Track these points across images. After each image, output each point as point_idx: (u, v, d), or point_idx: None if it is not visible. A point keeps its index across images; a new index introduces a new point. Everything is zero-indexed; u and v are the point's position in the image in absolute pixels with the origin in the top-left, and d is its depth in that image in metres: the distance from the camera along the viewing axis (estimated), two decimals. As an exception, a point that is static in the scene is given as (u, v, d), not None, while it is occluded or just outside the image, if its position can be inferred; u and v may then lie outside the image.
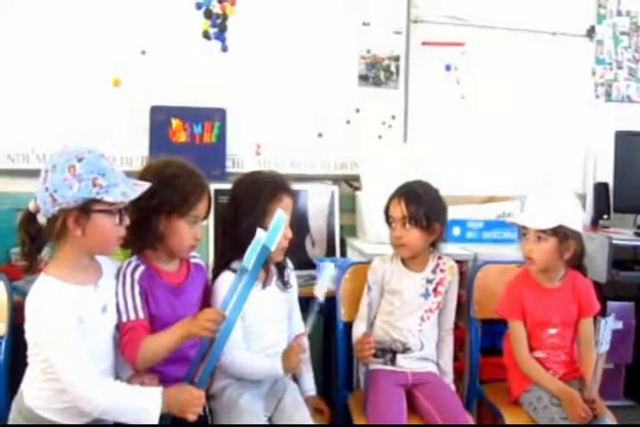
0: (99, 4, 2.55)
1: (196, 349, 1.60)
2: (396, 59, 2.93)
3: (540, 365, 2.00)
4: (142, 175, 1.65)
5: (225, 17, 2.70)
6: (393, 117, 2.94)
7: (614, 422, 1.94)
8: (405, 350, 2.03)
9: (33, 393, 1.50)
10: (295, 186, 1.97)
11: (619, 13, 3.26)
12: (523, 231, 2.03)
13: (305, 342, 1.74)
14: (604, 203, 3.11)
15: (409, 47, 2.95)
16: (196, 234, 1.69)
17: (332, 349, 2.35)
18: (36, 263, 1.52)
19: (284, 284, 1.95)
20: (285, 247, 1.85)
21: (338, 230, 2.77)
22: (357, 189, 2.82)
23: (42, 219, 1.48)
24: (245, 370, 1.77)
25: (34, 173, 1.56)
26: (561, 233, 1.94)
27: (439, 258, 2.10)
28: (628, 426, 2.42)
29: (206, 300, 1.80)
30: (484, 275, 2.27)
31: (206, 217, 1.73)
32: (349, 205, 2.82)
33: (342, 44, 2.85)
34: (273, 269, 1.93)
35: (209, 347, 1.55)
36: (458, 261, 2.20)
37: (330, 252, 2.72)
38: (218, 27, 2.70)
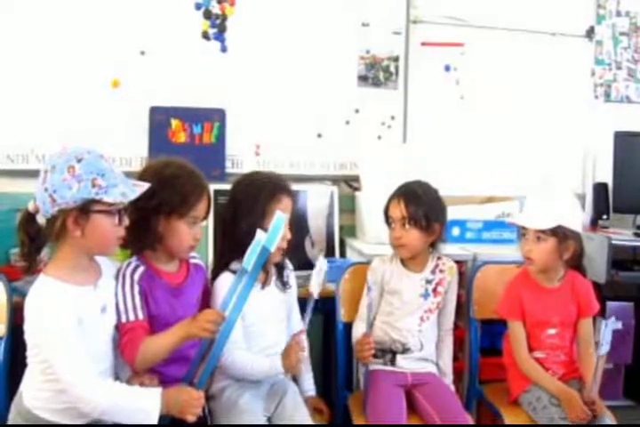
0: (98, 5, 2.55)
1: (195, 349, 1.60)
2: (396, 59, 2.93)
3: (539, 365, 2.01)
4: (142, 176, 1.65)
5: (224, 17, 2.70)
6: (392, 118, 2.94)
7: (614, 423, 1.94)
8: (405, 350, 2.03)
9: (32, 394, 1.50)
10: (294, 186, 1.97)
11: (618, 14, 3.26)
12: (522, 231, 2.03)
13: (304, 339, 1.74)
14: (604, 203, 3.11)
15: (408, 48, 2.95)
16: (196, 234, 1.69)
17: (332, 349, 2.35)
18: (35, 264, 1.52)
19: (284, 284, 1.95)
20: (284, 248, 1.85)
21: (337, 231, 2.77)
22: (357, 189, 2.82)
23: (41, 219, 1.48)
24: (246, 370, 1.77)
25: (33, 174, 1.56)
26: (560, 233, 1.95)
27: (438, 258, 2.10)
28: (627, 426, 2.42)
29: (206, 300, 1.80)
30: (484, 275, 2.27)
31: (206, 218, 1.73)
32: (349, 206, 2.82)
33: (341, 45, 2.85)
34: (272, 269, 1.93)
35: (208, 347, 1.55)
36: (457, 262, 2.20)
37: (329, 252, 2.72)
38: (217, 27, 2.70)
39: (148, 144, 2.63)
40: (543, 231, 1.95)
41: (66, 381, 1.41)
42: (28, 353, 1.49)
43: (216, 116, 2.69)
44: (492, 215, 2.77)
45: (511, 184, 2.94)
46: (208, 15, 2.69)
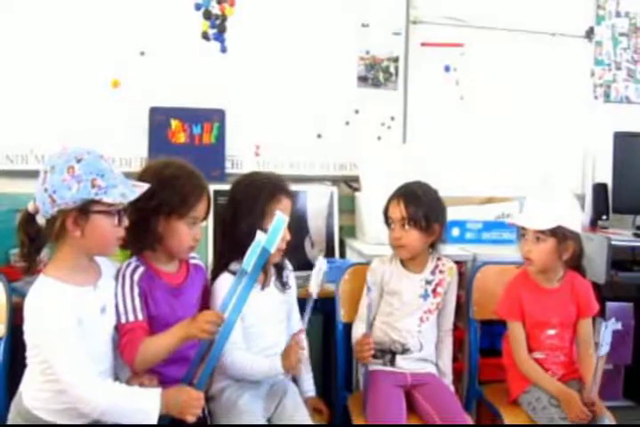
0: (98, 5, 2.55)
1: (195, 350, 1.60)
2: (396, 60, 2.93)
3: (538, 365, 2.01)
4: (141, 176, 1.65)
5: (224, 18, 2.70)
6: (392, 118, 2.94)
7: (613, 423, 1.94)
8: (404, 350, 2.03)
9: (32, 394, 1.50)
10: (294, 187, 1.98)
11: (617, 14, 3.26)
12: (522, 232, 2.03)
13: (303, 339, 1.74)
14: (603, 204, 3.11)
15: (408, 48, 2.95)
16: (196, 235, 1.69)
17: (332, 350, 2.35)
18: (35, 264, 1.52)
19: (283, 285, 1.95)
20: (283, 249, 1.85)
21: (337, 231, 2.77)
22: (356, 189, 2.83)
23: (41, 220, 1.48)
24: (245, 371, 1.77)
25: (33, 174, 1.56)
26: (560, 234, 1.95)
27: (438, 259, 2.10)
28: (627, 426, 2.43)
29: (205, 301, 1.80)
30: (483, 276, 2.27)
31: (205, 218, 1.73)
32: (348, 206, 2.82)
33: (341, 45, 2.85)
34: (271, 270, 1.93)
35: (208, 348, 1.55)
36: (457, 262, 2.19)
37: (329, 253, 2.72)
38: (217, 28, 2.70)
39: (147, 145, 2.63)
40: (542, 232, 1.96)
41: (65, 381, 1.41)
42: (28, 354, 1.49)
43: (216, 117, 2.69)
44: (491, 216, 2.77)
45: (511, 185, 2.94)
46: (208, 16, 2.69)
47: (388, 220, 2.06)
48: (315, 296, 1.69)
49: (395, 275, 2.06)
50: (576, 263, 2.05)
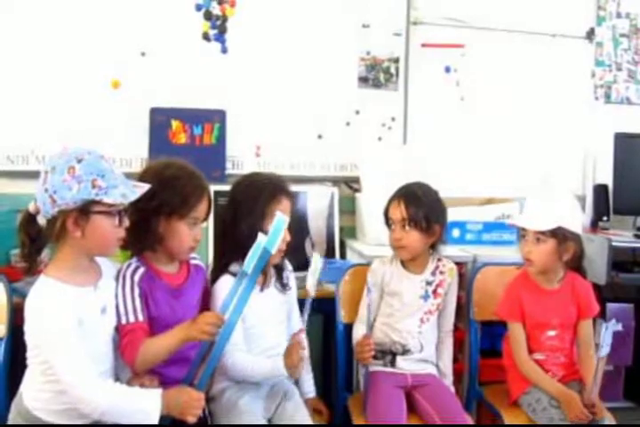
0: (98, 6, 2.55)
1: (196, 350, 1.60)
2: (396, 60, 2.94)
3: (539, 367, 2.00)
4: (142, 177, 1.65)
5: (225, 18, 2.70)
6: (392, 119, 2.94)
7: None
8: (405, 351, 2.03)
9: (32, 395, 1.50)
10: (295, 187, 1.98)
11: (618, 15, 3.26)
12: (522, 233, 2.03)
13: (303, 338, 1.74)
14: (604, 205, 3.11)
15: (408, 49, 2.95)
16: (196, 236, 1.69)
17: (332, 350, 2.35)
18: (35, 265, 1.52)
19: (283, 286, 1.95)
20: (283, 250, 1.85)
21: (337, 232, 2.76)
22: (357, 190, 2.83)
23: (42, 220, 1.48)
24: (246, 372, 1.77)
25: (33, 175, 1.56)
26: (560, 235, 1.94)
27: (439, 260, 2.10)
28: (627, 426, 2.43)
29: (206, 302, 1.80)
30: (484, 277, 2.27)
31: (206, 219, 1.73)
32: (349, 207, 2.82)
33: (342, 46, 2.86)
34: (271, 271, 1.93)
35: (209, 349, 1.55)
36: (457, 263, 2.19)
37: (329, 253, 2.72)
38: (217, 28, 2.70)
39: (148, 145, 2.63)
40: (543, 233, 1.95)
41: (66, 382, 1.41)
42: (29, 354, 1.49)
43: (216, 117, 2.69)
44: (491, 217, 2.77)
45: (511, 185, 2.94)
46: (208, 16, 2.69)
47: (388, 221, 2.06)
48: (312, 294, 1.68)
49: (395, 276, 2.06)
50: (576, 264, 2.05)
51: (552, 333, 2.03)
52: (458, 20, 3.01)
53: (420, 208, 1.99)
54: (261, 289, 1.86)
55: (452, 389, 2.07)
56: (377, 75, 2.91)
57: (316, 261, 1.70)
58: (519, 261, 2.09)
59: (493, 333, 2.33)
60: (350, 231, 2.83)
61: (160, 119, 2.63)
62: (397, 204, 2.02)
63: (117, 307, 1.60)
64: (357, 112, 2.89)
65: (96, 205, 1.45)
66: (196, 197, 1.66)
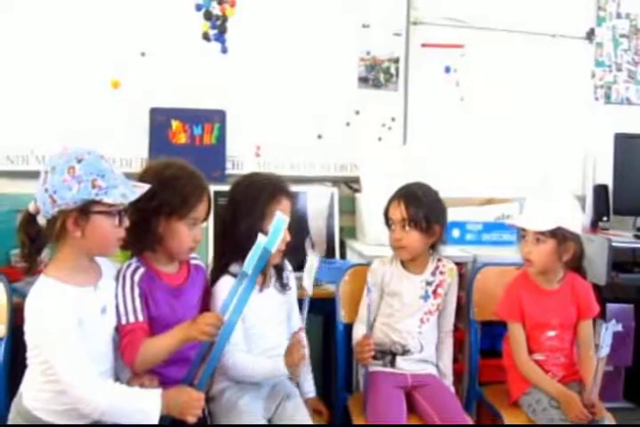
0: (98, 6, 2.55)
1: (196, 350, 1.60)
2: (396, 61, 2.94)
3: (539, 367, 2.00)
4: (142, 177, 1.65)
5: (225, 18, 2.70)
6: (392, 119, 2.94)
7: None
8: (405, 352, 2.03)
9: (32, 395, 1.50)
10: (295, 188, 1.98)
11: (618, 16, 3.26)
12: (522, 233, 2.03)
13: (303, 337, 1.73)
14: (604, 205, 3.11)
15: (408, 49, 2.95)
16: (196, 236, 1.69)
17: (332, 351, 2.35)
18: (35, 265, 1.52)
19: (283, 286, 1.95)
20: (283, 250, 1.85)
21: (337, 232, 2.76)
22: (357, 190, 2.83)
23: (42, 220, 1.48)
24: (247, 372, 1.77)
25: (33, 175, 1.56)
26: (560, 235, 1.94)
27: (439, 260, 2.10)
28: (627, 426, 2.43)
29: (205, 302, 1.80)
30: (484, 277, 2.27)
31: (206, 219, 1.73)
32: (349, 207, 2.82)
33: (342, 46, 2.86)
34: (271, 271, 1.92)
35: (209, 349, 1.55)
36: (457, 263, 2.19)
37: (329, 253, 2.72)
38: (217, 28, 2.70)
39: (148, 145, 2.63)
40: (542, 233, 1.95)
41: (66, 382, 1.41)
42: (29, 354, 1.49)
43: (216, 118, 2.69)
44: (491, 217, 2.77)
45: (511, 186, 2.94)
46: (208, 16, 2.69)
47: (388, 221, 2.06)
48: (309, 293, 1.68)
49: (395, 276, 2.06)
50: (576, 265, 2.05)
51: (552, 333, 2.03)
52: (458, 20, 3.01)
53: (420, 208, 1.98)
54: (261, 289, 1.86)
55: (452, 389, 2.07)
56: (377, 75, 2.91)
57: (312, 259, 1.71)
58: (519, 261, 2.09)
59: (493, 333, 2.33)
60: (350, 231, 2.83)
61: (160, 119, 2.63)
62: (397, 204, 2.02)
63: (117, 307, 1.59)
64: (357, 112, 2.89)
65: (96, 205, 1.45)
66: (195, 198, 1.66)
